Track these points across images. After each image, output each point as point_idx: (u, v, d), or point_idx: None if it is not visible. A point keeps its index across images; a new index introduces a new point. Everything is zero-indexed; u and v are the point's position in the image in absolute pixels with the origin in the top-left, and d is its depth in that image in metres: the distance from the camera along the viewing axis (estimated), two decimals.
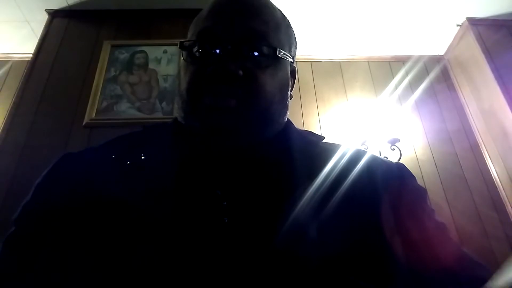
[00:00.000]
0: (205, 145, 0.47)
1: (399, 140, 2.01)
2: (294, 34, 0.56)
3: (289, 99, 0.52)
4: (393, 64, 2.43)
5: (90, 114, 1.72)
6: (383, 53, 2.44)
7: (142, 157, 0.46)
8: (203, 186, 0.43)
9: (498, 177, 2.01)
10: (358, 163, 0.48)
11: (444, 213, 1.90)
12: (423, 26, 2.23)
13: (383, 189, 0.45)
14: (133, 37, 2.02)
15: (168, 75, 1.88)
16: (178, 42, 0.48)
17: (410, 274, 0.40)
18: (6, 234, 0.42)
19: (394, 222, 0.43)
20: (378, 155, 1.13)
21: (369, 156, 0.50)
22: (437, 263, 0.41)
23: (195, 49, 0.46)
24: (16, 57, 2.34)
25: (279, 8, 0.54)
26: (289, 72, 0.52)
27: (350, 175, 0.45)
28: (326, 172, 0.45)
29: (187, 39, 0.49)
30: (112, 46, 1.96)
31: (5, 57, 2.34)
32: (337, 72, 2.40)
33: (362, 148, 1.38)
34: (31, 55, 1.97)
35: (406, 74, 2.36)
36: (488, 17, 2.21)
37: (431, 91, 2.32)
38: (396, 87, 2.31)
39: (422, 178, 2.01)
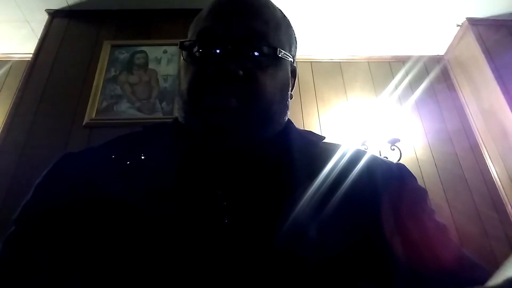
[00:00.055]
0: (205, 145, 0.46)
1: (399, 140, 2.01)
2: (295, 34, 0.56)
3: (289, 99, 0.52)
4: (393, 64, 2.43)
5: (90, 114, 1.72)
6: (383, 53, 2.44)
7: (142, 157, 0.46)
8: (203, 186, 0.43)
9: (498, 177, 2.01)
10: (358, 163, 0.48)
11: (444, 213, 1.90)
12: (423, 26, 2.23)
13: (383, 189, 0.45)
14: (133, 37, 2.02)
15: (168, 75, 1.88)
16: (178, 42, 0.48)
17: (410, 274, 0.40)
18: (6, 234, 0.42)
19: (394, 222, 0.43)
20: (378, 155, 1.13)
21: (369, 156, 0.50)
22: (436, 263, 0.41)
23: (195, 49, 0.46)
24: (16, 57, 2.34)
25: (279, 7, 0.54)
26: (290, 72, 0.52)
27: (350, 175, 0.45)
28: (326, 172, 0.45)
29: (187, 39, 0.49)
30: (112, 46, 1.96)
31: (5, 57, 2.34)
32: (337, 72, 2.40)
33: (362, 148, 1.38)
34: (31, 55, 1.97)
35: (406, 74, 2.36)
36: (488, 17, 2.21)
37: (431, 91, 2.32)
38: (396, 87, 2.31)
39: (422, 178, 2.01)
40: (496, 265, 0.21)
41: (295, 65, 0.55)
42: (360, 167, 0.47)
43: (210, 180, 0.44)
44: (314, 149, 0.50)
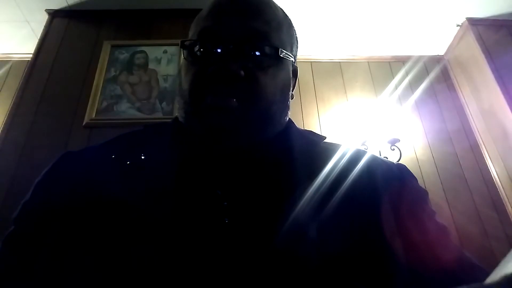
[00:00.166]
0: (206, 145, 0.46)
1: (399, 140, 2.01)
2: (296, 34, 0.56)
3: (290, 99, 0.52)
4: (393, 64, 2.43)
5: (90, 114, 1.72)
6: (383, 53, 2.44)
7: (142, 157, 0.46)
8: (204, 186, 0.43)
9: (498, 177, 2.01)
10: (358, 163, 0.48)
11: (444, 213, 1.90)
12: (423, 26, 2.23)
13: (383, 189, 0.45)
14: (133, 37, 2.02)
15: (168, 75, 1.88)
16: (179, 42, 0.48)
17: (410, 275, 0.40)
18: (5, 234, 0.42)
19: (394, 223, 0.42)
20: (378, 155, 1.13)
21: (369, 156, 0.50)
22: (436, 264, 0.41)
23: (196, 48, 0.46)
24: (16, 57, 2.34)
25: (280, 7, 0.54)
26: (291, 72, 0.52)
27: (350, 175, 0.45)
28: (326, 172, 0.45)
29: (188, 39, 0.49)
30: (112, 46, 1.96)
31: (5, 57, 2.34)
32: (337, 72, 2.40)
33: (362, 148, 1.38)
34: (31, 55, 1.97)
35: (406, 74, 2.36)
36: (488, 17, 2.21)
37: (431, 91, 2.32)
38: (396, 87, 2.31)
39: (422, 178, 2.01)
40: (496, 265, 0.21)
41: (296, 64, 0.55)
42: (360, 167, 0.47)
43: (211, 180, 0.44)
44: (314, 149, 0.49)
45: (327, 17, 2.18)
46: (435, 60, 2.46)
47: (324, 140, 0.53)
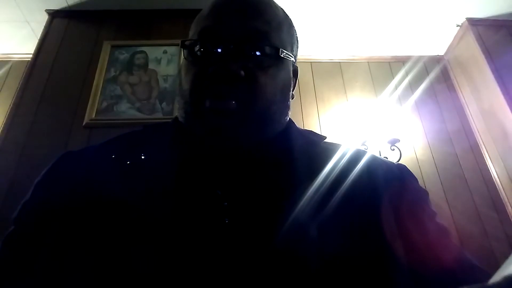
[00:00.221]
0: (206, 145, 0.46)
1: (399, 140, 2.01)
2: (296, 33, 0.55)
3: (290, 99, 0.52)
4: (393, 64, 2.43)
5: (90, 114, 1.72)
6: (383, 53, 2.44)
7: (142, 157, 0.46)
8: (204, 186, 0.43)
9: (498, 177, 2.01)
10: (359, 163, 0.47)
11: (444, 213, 1.90)
12: (423, 26, 2.23)
13: (384, 189, 0.45)
14: (133, 38, 2.02)
15: (168, 75, 1.88)
16: (180, 41, 0.48)
17: (410, 275, 0.40)
18: (5, 233, 0.42)
19: (394, 223, 0.42)
20: (378, 155, 1.13)
21: (369, 156, 0.50)
22: (437, 264, 0.41)
23: (196, 48, 0.46)
24: (16, 57, 2.34)
25: (281, 7, 0.54)
26: (291, 72, 0.52)
27: (350, 175, 0.45)
28: (327, 172, 0.45)
29: (188, 39, 0.49)
30: (112, 46, 1.96)
31: (5, 57, 2.34)
32: (337, 72, 2.40)
33: (362, 148, 1.38)
34: (31, 55, 1.97)
35: (406, 74, 2.36)
36: (488, 17, 2.21)
37: (431, 91, 2.32)
38: (396, 87, 2.31)
39: (422, 178, 2.01)
40: (496, 265, 0.21)
41: (297, 64, 0.55)
42: (360, 167, 0.47)
43: (211, 180, 0.44)
44: (315, 149, 0.49)
45: (327, 17, 2.18)
46: (435, 60, 2.46)
47: (324, 140, 0.53)
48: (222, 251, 0.38)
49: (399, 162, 1.77)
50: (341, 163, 0.47)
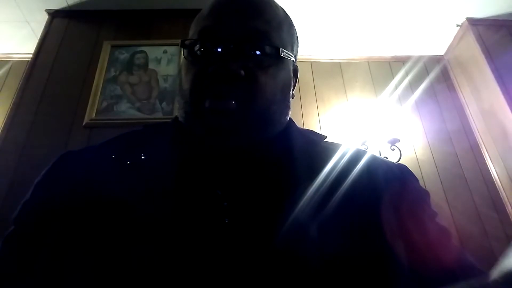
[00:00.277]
0: (206, 145, 0.46)
1: (399, 140, 2.01)
2: (297, 33, 0.55)
3: (291, 99, 0.52)
4: (393, 64, 2.43)
5: (90, 114, 1.72)
6: (383, 53, 2.44)
7: (142, 157, 0.46)
8: (204, 186, 0.43)
9: (498, 177, 2.01)
10: (359, 163, 0.47)
11: (444, 213, 1.90)
12: (423, 26, 2.23)
13: (384, 189, 0.45)
14: (133, 37, 2.02)
15: (168, 75, 1.88)
16: (180, 41, 0.48)
17: (410, 275, 0.40)
18: (5, 233, 0.42)
19: (394, 223, 0.42)
20: (378, 155, 1.13)
21: (369, 156, 0.50)
22: (437, 265, 0.41)
23: (196, 48, 0.46)
24: (16, 57, 2.34)
25: (281, 6, 0.53)
26: (291, 71, 0.52)
27: (351, 175, 0.45)
28: (327, 172, 0.44)
29: (188, 38, 0.49)
30: (112, 46, 1.96)
31: (5, 57, 2.34)
32: (337, 72, 2.40)
33: (362, 148, 1.38)
34: (31, 55, 1.97)
35: (406, 74, 2.36)
36: (488, 17, 2.21)
37: (431, 91, 2.32)
38: (396, 87, 2.31)
39: (422, 178, 2.01)
40: (496, 265, 0.21)
41: (297, 64, 0.55)
42: (360, 167, 0.47)
43: (211, 180, 0.44)
44: (315, 149, 0.49)
45: (327, 17, 2.18)
46: (435, 60, 2.46)
47: (325, 140, 0.53)
48: (222, 251, 0.38)
49: (399, 162, 1.77)
50: (341, 162, 0.47)
